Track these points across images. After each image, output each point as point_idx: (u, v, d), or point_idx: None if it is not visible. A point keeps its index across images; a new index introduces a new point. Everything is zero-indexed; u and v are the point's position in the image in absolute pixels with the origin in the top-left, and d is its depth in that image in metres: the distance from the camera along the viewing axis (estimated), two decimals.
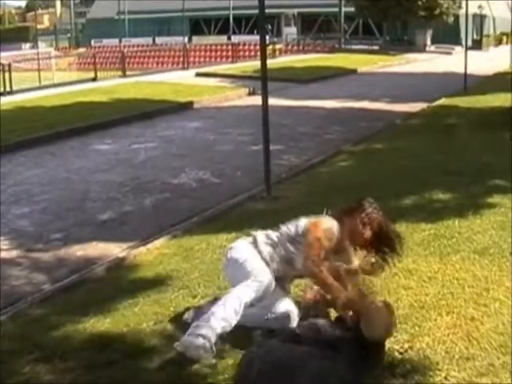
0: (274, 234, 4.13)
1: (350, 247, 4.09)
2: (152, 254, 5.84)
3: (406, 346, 3.78)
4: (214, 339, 3.68)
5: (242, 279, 3.91)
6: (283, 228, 4.15)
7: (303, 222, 4.11)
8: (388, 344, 3.72)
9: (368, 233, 4.03)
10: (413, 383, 3.41)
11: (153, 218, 7.44)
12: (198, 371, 3.60)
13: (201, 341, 3.63)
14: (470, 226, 5.95)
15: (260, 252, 4.03)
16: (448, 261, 5.11)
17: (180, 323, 4.16)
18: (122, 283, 5.16)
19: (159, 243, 6.12)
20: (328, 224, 4.02)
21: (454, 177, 7.77)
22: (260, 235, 4.15)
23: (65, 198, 8.30)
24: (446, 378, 3.46)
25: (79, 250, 6.39)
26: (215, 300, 4.09)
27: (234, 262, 4.06)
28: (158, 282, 5.00)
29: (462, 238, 5.63)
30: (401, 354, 3.71)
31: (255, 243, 4.09)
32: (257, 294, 3.85)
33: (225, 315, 3.75)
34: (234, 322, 3.78)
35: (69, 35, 61.68)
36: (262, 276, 3.91)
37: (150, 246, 6.07)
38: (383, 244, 4.05)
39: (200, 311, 4.05)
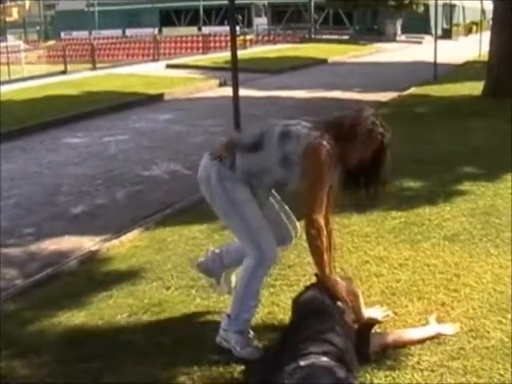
0: (257, 159, 3.62)
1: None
2: (125, 246, 5.84)
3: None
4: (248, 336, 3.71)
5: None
6: (272, 144, 3.57)
7: (300, 139, 3.52)
8: None
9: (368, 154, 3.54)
10: (385, 368, 3.46)
11: (125, 210, 7.42)
12: (174, 364, 3.63)
13: (243, 353, 3.63)
14: (440, 213, 6.03)
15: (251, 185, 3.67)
16: (419, 248, 5.18)
17: (154, 312, 4.21)
18: (95, 276, 5.15)
19: (132, 236, 6.12)
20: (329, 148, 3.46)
21: (424, 165, 7.85)
22: (242, 164, 3.67)
23: (36, 193, 8.24)
24: (418, 362, 3.52)
25: (52, 245, 6.36)
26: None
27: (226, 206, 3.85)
28: (131, 275, 5.01)
29: (432, 225, 5.70)
30: None
31: (241, 174, 3.69)
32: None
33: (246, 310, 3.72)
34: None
35: (38, 28, 60.87)
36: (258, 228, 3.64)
37: (122, 238, 6.06)
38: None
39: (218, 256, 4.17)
